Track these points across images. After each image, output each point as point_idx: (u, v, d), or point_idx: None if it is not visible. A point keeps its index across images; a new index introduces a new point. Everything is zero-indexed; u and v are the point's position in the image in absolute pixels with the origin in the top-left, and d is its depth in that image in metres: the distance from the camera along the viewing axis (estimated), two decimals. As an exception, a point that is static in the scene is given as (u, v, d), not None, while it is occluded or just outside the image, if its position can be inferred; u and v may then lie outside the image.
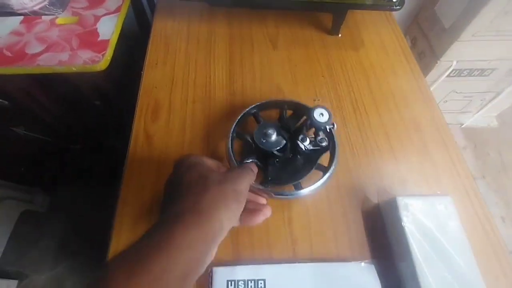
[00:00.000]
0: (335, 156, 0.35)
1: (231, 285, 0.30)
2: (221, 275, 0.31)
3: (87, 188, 1.14)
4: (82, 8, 0.61)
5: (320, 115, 0.33)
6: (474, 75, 1.06)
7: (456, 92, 1.15)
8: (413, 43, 1.09)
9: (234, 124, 0.37)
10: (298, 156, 0.36)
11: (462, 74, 1.05)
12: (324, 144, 0.34)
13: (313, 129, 0.34)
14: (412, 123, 0.42)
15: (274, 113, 0.41)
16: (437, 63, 0.99)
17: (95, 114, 0.83)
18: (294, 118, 0.39)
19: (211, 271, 0.31)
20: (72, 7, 0.61)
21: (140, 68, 0.51)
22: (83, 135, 0.97)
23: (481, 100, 1.22)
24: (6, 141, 0.96)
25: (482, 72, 1.04)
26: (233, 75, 0.47)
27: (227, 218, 0.23)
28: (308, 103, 0.38)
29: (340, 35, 0.52)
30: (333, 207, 0.36)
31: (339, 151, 0.36)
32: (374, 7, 0.44)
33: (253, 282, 0.30)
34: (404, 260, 0.30)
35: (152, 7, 0.91)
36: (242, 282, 0.30)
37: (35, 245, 1.06)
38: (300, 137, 0.34)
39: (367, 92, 0.45)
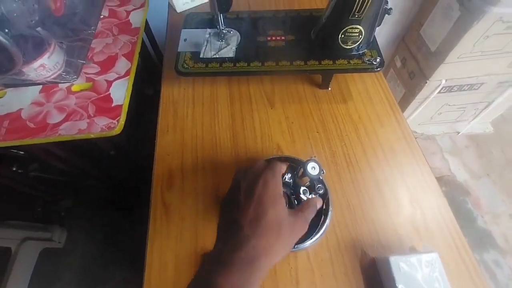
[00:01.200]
0: (329, 198, 0.40)
1: None
2: None
3: (101, 220, 1.18)
4: (94, 73, 0.67)
5: (313, 169, 0.38)
6: (464, 90, 1.10)
7: (449, 105, 1.20)
8: (403, 63, 1.14)
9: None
10: None
11: (452, 90, 1.09)
12: (321, 191, 0.40)
13: (306, 178, 0.40)
14: (401, 175, 0.47)
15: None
16: (426, 82, 1.03)
17: (110, 161, 0.89)
18: (290, 171, 0.44)
19: None
20: (86, 73, 0.67)
21: (152, 99, 0.56)
22: (98, 176, 1.03)
23: (474, 109, 1.26)
24: (22, 184, 1.01)
25: (471, 86, 1.08)
26: (236, 136, 0.52)
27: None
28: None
29: (330, 89, 0.57)
30: (334, 264, 0.40)
31: (336, 206, 0.41)
32: (356, 70, 0.49)
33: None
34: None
35: (156, 48, 0.97)
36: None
37: (56, 281, 1.10)
38: (301, 190, 0.39)
39: (358, 145, 0.50)
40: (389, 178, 0.47)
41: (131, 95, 0.64)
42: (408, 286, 0.35)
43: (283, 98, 0.56)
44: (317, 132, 0.52)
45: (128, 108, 0.62)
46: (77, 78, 0.66)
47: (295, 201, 0.39)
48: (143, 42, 0.85)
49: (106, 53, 0.71)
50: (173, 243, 0.41)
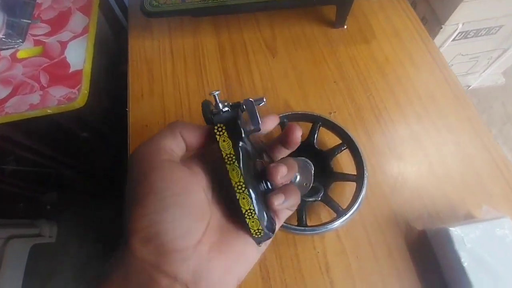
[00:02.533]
0: (363, 163, 0.31)
1: None
2: None
3: (92, 209, 1.11)
4: (44, 34, 0.53)
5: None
6: (480, 35, 0.99)
7: (462, 55, 1.09)
8: (413, 8, 1.00)
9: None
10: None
11: (468, 36, 0.98)
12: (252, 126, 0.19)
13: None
14: (445, 126, 0.37)
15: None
16: (441, 28, 0.91)
17: (85, 145, 0.77)
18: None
19: None
20: (33, 35, 0.53)
21: (124, 73, 0.44)
22: (76, 163, 0.92)
23: (488, 59, 1.16)
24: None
25: (489, 30, 0.97)
26: (232, 95, 0.41)
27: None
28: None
29: (345, 27, 0.45)
30: (373, 243, 0.32)
31: (369, 172, 0.31)
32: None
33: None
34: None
35: (122, 7, 0.81)
36: None
37: (53, 277, 1.05)
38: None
39: (388, 94, 0.39)
40: (431, 131, 0.37)
41: (93, 60, 0.51)
42: (476, 262, 0.27)
43: (287, 44, 0.44)
44: (335, 82, 0.41)
45: (92, 77, 0.49)
46: (22, 42, 0.53)
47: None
48: (106, -3, 0.69)
49: (56, 8, 0.57)
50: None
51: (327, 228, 0.29)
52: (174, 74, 0.43)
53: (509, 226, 0.28)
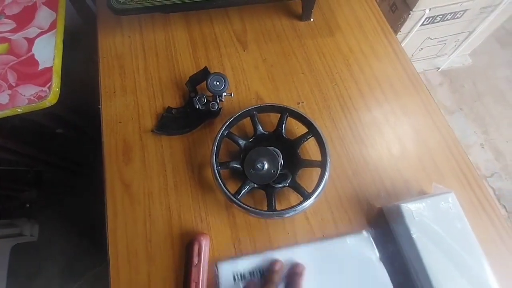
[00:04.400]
0: (326, 149, 0.34)
1: (237, 277, 0.32)
2: (226, 268, 0.32)
3: (71, 203, 1.09)
4: (9, 31, 0.52)
5: (216, 83, 0.37)
6: (447, 19, 1.03)
7: (431, 39, 1.14)
8: (384, -5, 1.03)
9: (214, 150, 0.34)
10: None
11: (435, 21, 1.02)
12: (215, 109, 0.38)
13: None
14: (403, 112, 0.40)
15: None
16: (410, 14, 0.95)
17: (61, 140, 0.75)
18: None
19: (216, 267, 0.32)
20: (-2, 32, 0.51)
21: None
22: (53, 159, 0.90)
23: (455, 41, 1.21)
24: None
25: (454, 15, 1.01)
26: (205, 89, 0.42)
27: None
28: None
29: (312, 20, 0.47)
30: (338, 222, 0.35)
31: (334, 157, 0.34)
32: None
33: (258, 271, 0.32)
34: (416, 266, 0.31)
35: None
36: (248, 273, 0.32)
37: (38, 276, 1.04)
38: (197, 97, 0.38)
39: (352, 83, 0.42)
40: (390, 118, 0.40)
41: (65, 54, 0.50)
42: (424, 234, 0.31)
43: (258, 37, 0.46)
44: (303, 73, 0.43)
45: (66, 71, 0.49)
46: (-15, 39, 0.51)
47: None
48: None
49: (21, 3, 0.55)
50: (141, 227, 0.33)
51: (295, 210, 0.32)
52: (147, 69, 0.43)
53: (452, 200, 0.32)
